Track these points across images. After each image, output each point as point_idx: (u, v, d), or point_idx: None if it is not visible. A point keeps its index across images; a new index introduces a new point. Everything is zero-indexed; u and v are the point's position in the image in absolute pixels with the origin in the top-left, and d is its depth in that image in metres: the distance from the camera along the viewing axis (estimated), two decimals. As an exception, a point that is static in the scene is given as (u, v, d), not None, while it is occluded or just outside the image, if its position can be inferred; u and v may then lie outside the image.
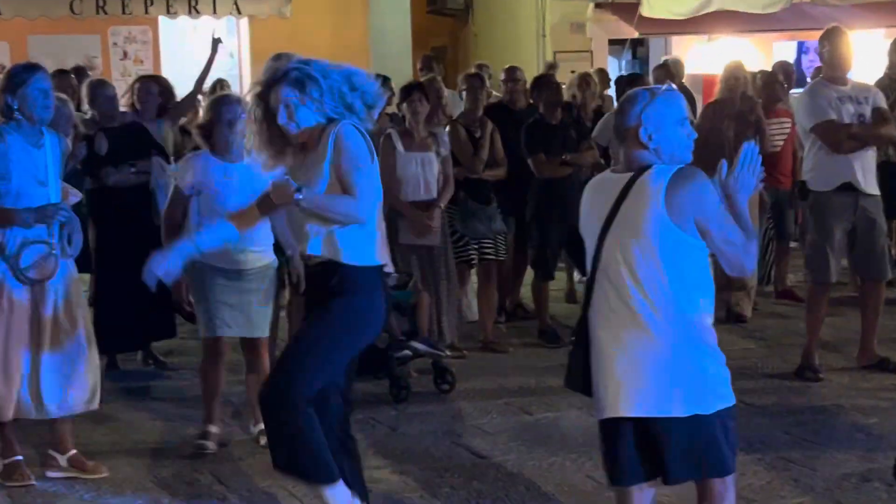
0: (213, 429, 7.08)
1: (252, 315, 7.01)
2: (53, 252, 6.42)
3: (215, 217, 6.82)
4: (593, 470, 6.53)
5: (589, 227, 4.64)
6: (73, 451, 6.72)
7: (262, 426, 7.01)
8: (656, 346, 4.43)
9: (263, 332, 7.10)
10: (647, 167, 4.48)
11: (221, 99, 7.15)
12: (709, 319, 4.55)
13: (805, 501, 6.03)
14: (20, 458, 6.55)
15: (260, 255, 6.97)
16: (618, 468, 4.61)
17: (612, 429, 4.55)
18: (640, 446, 4.51)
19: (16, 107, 6.33)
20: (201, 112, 7.17)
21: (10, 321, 6.37)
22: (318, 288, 5.26)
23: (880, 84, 10.30)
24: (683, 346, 4.45)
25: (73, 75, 11.40)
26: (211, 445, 7.00)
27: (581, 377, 4.62)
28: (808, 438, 7.04)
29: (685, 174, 4.44)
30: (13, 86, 6.35)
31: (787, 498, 6.09)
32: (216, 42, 10.70)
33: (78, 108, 9.95)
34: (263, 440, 6.95)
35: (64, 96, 8.24)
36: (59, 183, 6.54)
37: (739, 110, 10.00)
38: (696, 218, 4.40)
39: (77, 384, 6.55)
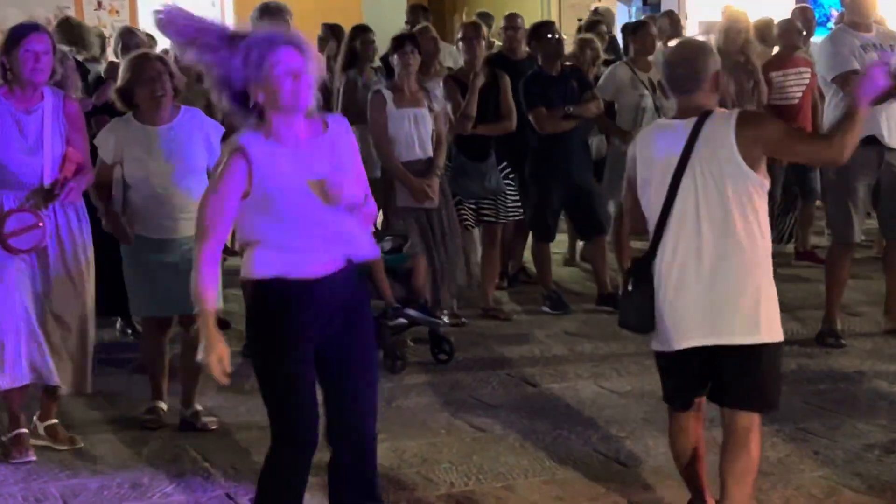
0: (162, 405, 7.17)
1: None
2: (40, 224, 6.45)
3: (141, 187, 6.84)
4: (600, 443, 6.61)
5: (652, 173, 5.15)
6: (52, 421, 6.81)
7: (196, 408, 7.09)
8: (728, 282, 5.01)
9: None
10: (709, 112, 5.05)
11: (140, 57, 7.12)
12: (770, 255, 5.16)
13: (825, 474, 6.07)
14: (24, 430, 6.61)
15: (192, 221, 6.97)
16: (679, 394, 5.34)
17: (678, 358, 5.15)
18: (702, 373, 5.20)
19: (7, 66, 6.37)
20: (120, 73, 7.11)
21: (9, 290, 6.42)
22: None
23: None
24: (751, 283, 5.06)
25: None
26: (161, 421, 7.06)
27: (641, 315, 5.19)
28: (829, 408, 7.10)
29: (750, 114, 5.31)
30: (7, 46, 6.39)
31: (807, 471, 6.13)
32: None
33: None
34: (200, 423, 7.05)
35: (64, 48, 8.22)
36: (57, 148, 6.52)
37: (738, 62, 9.97)
38: (764, 148, 4.98)
39: (71, 360, 6.67)
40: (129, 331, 9.07)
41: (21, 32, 6.41)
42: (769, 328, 5.14)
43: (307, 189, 4.59)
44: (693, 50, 5.31)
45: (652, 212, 5.16)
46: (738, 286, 5.02)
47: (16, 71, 6.35)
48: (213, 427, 7.01)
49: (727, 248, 4.98)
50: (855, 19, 8.39)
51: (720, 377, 5.17)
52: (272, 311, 4.68)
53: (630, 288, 5.27)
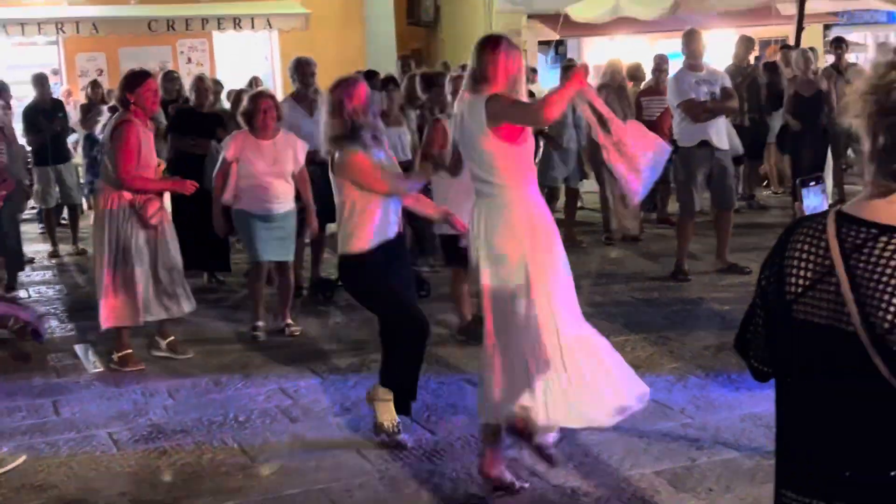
0: (261, 324, 7.13)
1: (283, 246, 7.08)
2: (162, 207, 6.53)
3: (246, 180, 6.83)
4: (528, 348, 6.60)
5: None
6: (171, 338, 6.80)
7: (288, 321, 7.09)
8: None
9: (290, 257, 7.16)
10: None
11: (259, 93, 7.19)
12: None
13: (678, 366, 6.09)
14: (130, 350, 6.58)
15: (284, 204, 7.00)
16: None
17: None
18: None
19: (132, 101, 6.32)
20: (244, 102, 7.13)
21: (140, 252, 6.40)
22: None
23: (729, 70, 10.30)
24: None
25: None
26: (261, 335, 7.03)
27: None
28: (680, 322, 7.12)
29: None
30: (131, 86, 6.34)
31: (665, 364, 6.15)
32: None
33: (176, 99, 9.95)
34: (289, 331, 7.09)
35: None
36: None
37: (618, 90, 10.02)
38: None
39: (182, 297, 6.64)
40: (213, 280, 8.98)
41: (143, 77, 6.45)
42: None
43: None
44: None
45: None
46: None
47: (140, 103, 6.33)
48: (297, 333, 7.09)
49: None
50: (691, 62, 8.35)
51: None
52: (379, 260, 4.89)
53: None
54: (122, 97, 6.37)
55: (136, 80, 6.38)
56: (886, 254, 1.87)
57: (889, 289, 1.84)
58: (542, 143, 10.02)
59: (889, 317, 1.84)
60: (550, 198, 10.09)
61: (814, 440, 2.04)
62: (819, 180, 2.25)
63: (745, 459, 4.68)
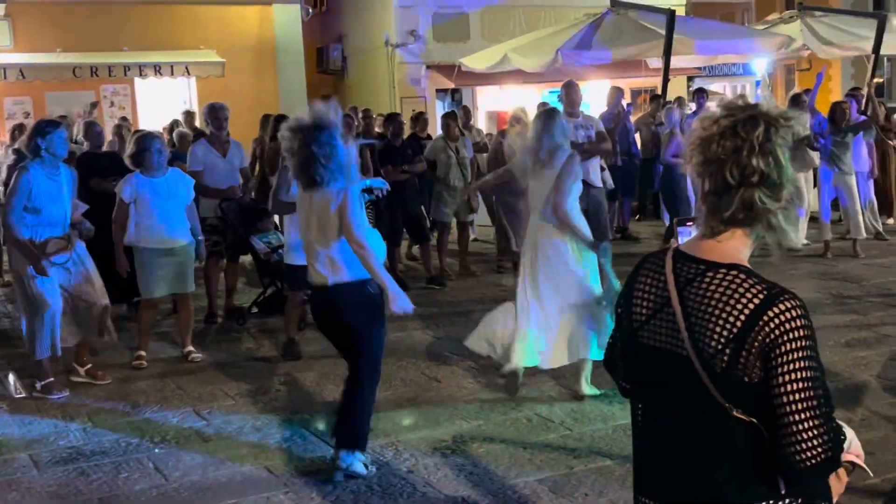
0: (143, 353, 6.98)
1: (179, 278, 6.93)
2: (68, 247, 6.31)
3: (146, 218, 6.67)
4: (426, 368, 6.61)
5: None
6: (89, 366, 6.63)
7: (189, 348, 7.00)
8: None
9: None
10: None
11: (145, 135, 6.99)
12: None
13: (558, 383, 6.11)
14: (52, 379, 6.36)
15: (182, 237, 6.85)
16: None
17: None
18: None
19: (43, 147, 6.14)
20: (131, 145, 6.99)
21: (54, 285, 6.22)
22: None
23: (603, 116, 10.54)
24: None
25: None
26: (144, 364, 6.89)
27: None
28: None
29: None
30: (43, 133, 6.17)
31: (547, 381, 6.17)
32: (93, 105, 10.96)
33: (74, 141, 9.57)
34: (190, 357, 7.00)
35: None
36: (70, 199, 6.34)
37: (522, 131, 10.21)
38: None
39: (95, 321, 6.45)
40: (135, 308, 8.69)
41: (54, 125, 6.29)
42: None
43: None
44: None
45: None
46: None
47: (50, 149, 6.16)
48: (198, 360, 6.94)
49: None
50: (568, 110, 8.51)
51: None
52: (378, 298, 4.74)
53: None
54: (33, 143, 6.18)
55: (45, 128, 6.21)
56: (712, 287, 1.97)
57: (713, 318, 1.94)
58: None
59: (713, 342, 1.94)
60: (442, 232, 10.18)
61: (658, 450, 2.12)
62: (695, 222, 2.35)
63: (616, 466, 4.76)
